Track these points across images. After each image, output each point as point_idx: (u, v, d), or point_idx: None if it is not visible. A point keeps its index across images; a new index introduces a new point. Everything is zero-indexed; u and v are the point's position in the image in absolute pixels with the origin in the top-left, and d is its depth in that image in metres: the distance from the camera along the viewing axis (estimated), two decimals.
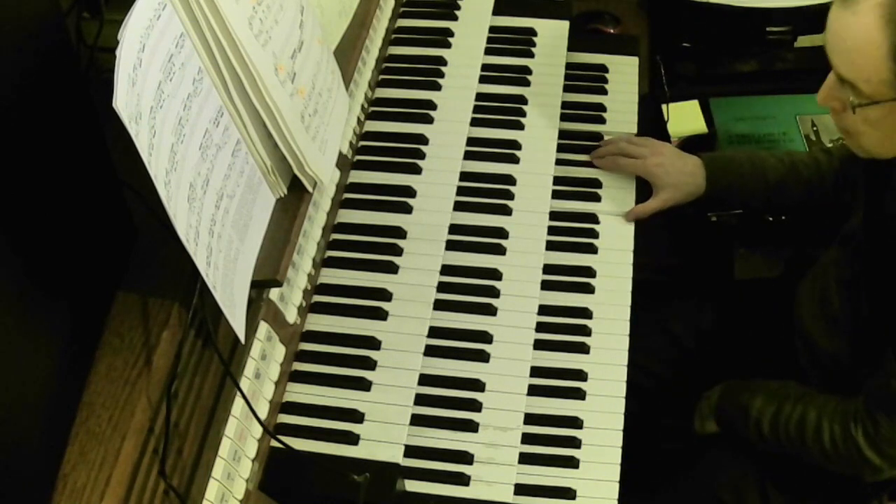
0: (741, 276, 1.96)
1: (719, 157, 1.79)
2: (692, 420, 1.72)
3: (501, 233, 1.64)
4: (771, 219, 1.93)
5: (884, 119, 1.33)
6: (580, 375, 1.56)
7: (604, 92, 1.91)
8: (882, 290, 1.44)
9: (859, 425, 1.45)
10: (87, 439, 1.13)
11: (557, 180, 1.74)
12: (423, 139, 1.69)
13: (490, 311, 1.55)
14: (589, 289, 1.65)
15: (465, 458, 1.41)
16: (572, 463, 1.47)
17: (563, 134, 1.80)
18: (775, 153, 1.75)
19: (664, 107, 2.08)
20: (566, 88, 1.86)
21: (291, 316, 1.43)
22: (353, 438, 1.37)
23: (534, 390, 1.51)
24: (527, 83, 1.84)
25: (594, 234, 1.72)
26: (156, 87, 1.10)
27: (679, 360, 1.79)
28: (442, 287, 1.55)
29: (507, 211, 1.67)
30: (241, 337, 1.23)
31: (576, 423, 1.51)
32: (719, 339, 1.79)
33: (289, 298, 1.43)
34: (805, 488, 1.60)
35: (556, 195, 1.72)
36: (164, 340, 1.22)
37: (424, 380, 1.46)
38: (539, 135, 1.77)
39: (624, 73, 1.94)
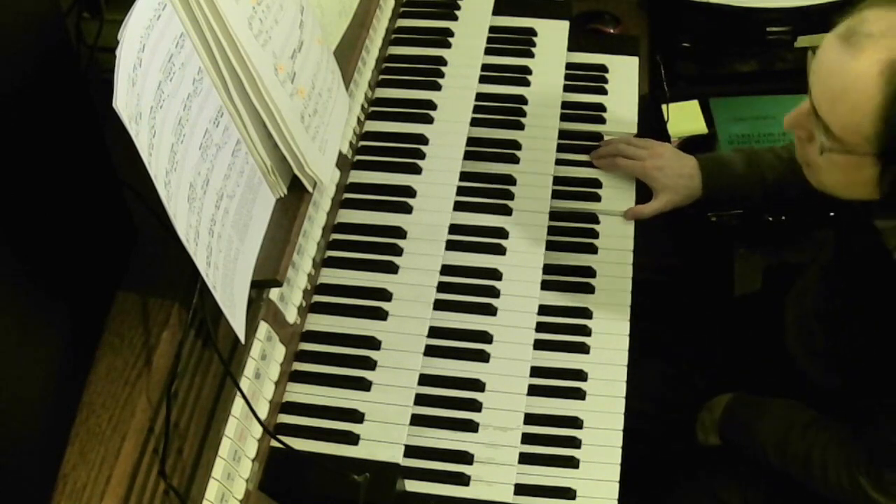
0: (740, 291, 1.96)
1: (713, 158, 1.77)
2: (693, 432, 1.71)
3: (501, 233, 1.64)
4: (771, 219, 1.93)
5: (850, 168, 1.27)
6: (580, 375, 1.56)
7: (604, 92, 1.91)
8: (865, 332, 1.41)
9: (863, 475, 1.44)
10: (87, 439, 1.13)
11: (557, 180, 1.74)
12: (423, 139, 1.69)
13: (490, 311, 1.55)
14: (589, 289, 1.65)
15: (465, 458, 1.41)
16: (572, 463, 1.47)
17: (563, 134, 1.80)
18: (775, 148, 1.72)
19: (664, 107, 2.08)
20: (566, 88, 1.86)
21: (291, 316, 1.43)
22: (353, 438, 1.37)
23: (534, 390, 1.51)
24: (527, 83, 1.84)
25: (594, 234, 1.72)
26: (156, 87, 1.10)
27: (677, 375, 1.79)
28: (442, 287, 1.55)
29: (507, 211, 1.67)
30: (241, 337, 1.23)
31: (576, 423, 1.51)
32: (717, 352, 1.79)
33: (289, 298, 1.43)
34: (811, 497, 1.59)
35: (556, 195, 1.73)
36: (164, 340, 1.22)
37: (424, 380, 1.46)
38: (539, 135, 1.77)
39: (624, 73, 1.94)
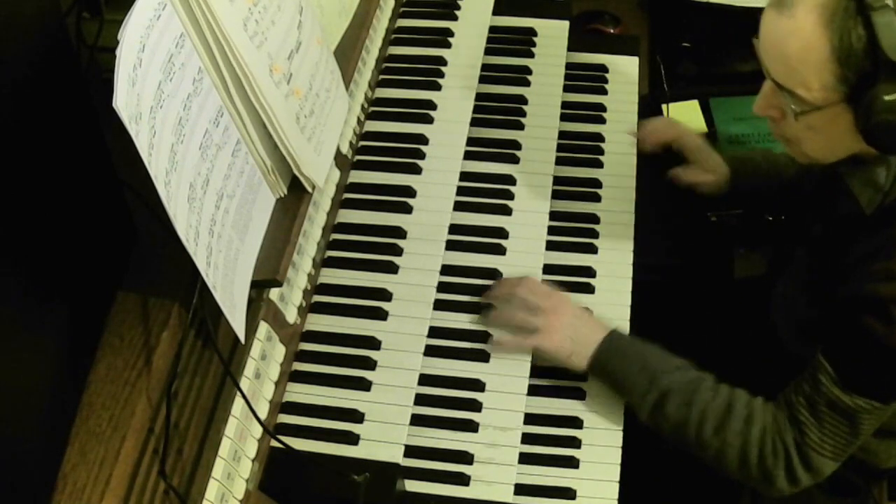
0: (740, 274, 1.96)
1: (740, 155, 1.79)
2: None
3: (501, 233, 1.64)
4: (771, 219, 1.93)
5: (827, 124, 1.29)
6: (580, 375, 1.55)
7: (604, 92, 1.91)
8: (828, 287, 1.42)
9: (792, 443, 1.41)
10: (87, 439, 1.13)
11: (557, 180, 1.74)
12: (423, 139, 1.69)
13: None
14: (589, 289, 1.65)
15: (465, 458, 1.41)
16: (572, 463, 1.47)
17: (563, 134, 1.80)
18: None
19: (664, 107, 2.08)
20: (566, 88, 1.86)
21: (291, 316, 1.43)
22: (353, 438, 1.37)
23: (534, 390, 1.51)
24: (527, 83, 1.84)
25: (594, 234, 1.72)
26: (156, 87, 1.10)
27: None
28: (442, 287, 1.55)
29: (507, 211, 1.67)
30: (241, 337, 1.23)
31: (576, 423, 1.51)
32: (714, 338, 1.79)
33: (289, 298, 1.43)
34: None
35: (556, 195, 1.73)
36: (164, 340, 1.22)
37: (424, 380, 1.46)
38: (539, 135, 1.77)
39: (624, 73, 1.94)
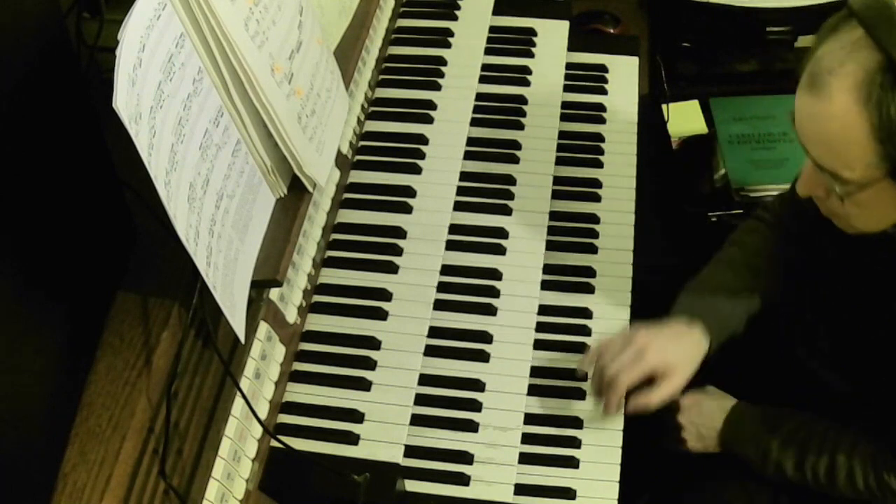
0: None
1: (695, 304, 1.57)
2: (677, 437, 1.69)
3: (501, 233, 1.64)
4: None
5: (874, 199, 1.25)
6: (580, 375, 1.55)
7: (604, 92, 1.91)
8: (871, 334, 1.40)
9: (892, 474, 1.43)
10: (87, 439, 1.13)
11: (557, 180, 1.74)
12: (423, 139, 1.69)
13: (490, 311, 1.55)
14: (589, 289, 1.65)
15: (465, 458, 1.41)
16: (572, 463, 1.47)
17: (563, 134, 1.80)
18: (719, 262, 1.61)
19: (664, 107, 2.08)
20: (566, 88, 1.86)
21: (291, 316, 1.43)
22: (353, 438, 1.37)
23: (534, 390, 1.51)
24: (527, 83, 1.84)
25: (594, 234, 1.71)
26: (156, 87, 1.10)
27: None
28: (442, 287, 1.55)
29: (507, 211, 1.67)
30: (241, 337, 1.23)
31: (576, 423, 1.51)
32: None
33: (289, 298, 1.43)
34: (817, 497, 1.58)
35: (556, 195, 1.72)
36: (164, 340, 1.22)
37: (424, 380, 1.46)
38: (539, 135, 1.77)
39: (624, 73, 1.94)
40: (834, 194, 1.27)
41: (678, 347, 1.51)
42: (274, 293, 1.38)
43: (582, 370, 1.54)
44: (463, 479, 1.39)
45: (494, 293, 1.57)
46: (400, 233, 1.58)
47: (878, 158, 1.20)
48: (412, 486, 1.38)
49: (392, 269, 1.54)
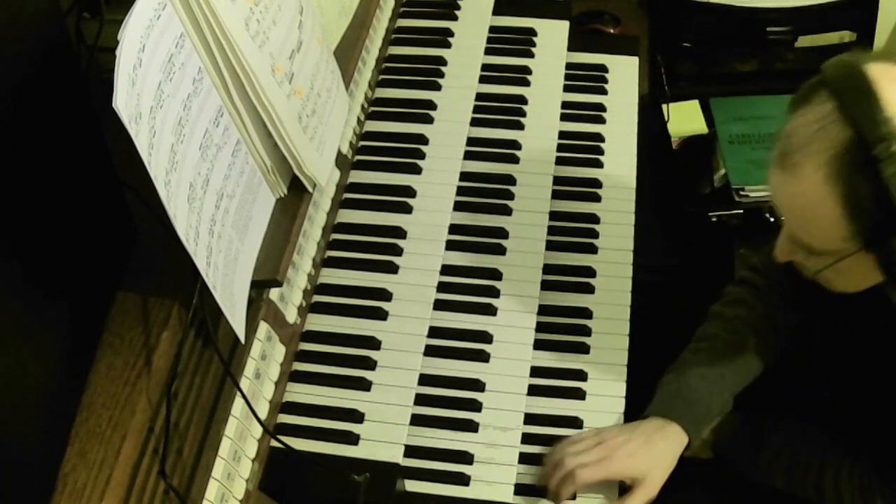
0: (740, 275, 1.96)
1: (672, 398, 1.48)
2: None
3: (501, 233, 1.64)
4: (772, 219, 1.93)
5: (851, 267, 1.23)
6: (580, 375, 1.55)
7: (604, 92, 1.91)
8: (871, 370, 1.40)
9: (879, 495, 1.43)
10: (87, 439, 1.13)
11: (557, 180, 1.74)
12: (423, 139, 1.69)
13: (490, 311, 1.55)
14: (589, 289, 1.65)
15: (465, 458, 1.41)
16: None
17: (563, 134, 1.80)
18: (698, 348, 1.54)
19: (664, 107, 2.08)
20: (566, 88, 1.86)
21: (291, 316, 1.43)
22: (353, 438, 1.37)
23: (534, 390, 1.51)
24: (527, 83, 1.84)
25: (594, 234, 1.71)
26: (156, 87, 1.10)
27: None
28: (442, 287, 1.55)
29: (507, 211, 1.67)
30: (241, 337, 1.23)
31: (576, 423, 1.51)
32: None
33: (289, 298, 1.43)
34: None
35: (556, 195, 1.72)
36: (164, 340, 1.22)
37: (424, 380, 1.46)
38: (539, 135, 1.77)
39: (624, 73, 1.94)
40: (811, 264, 1.27)
41: (649, 453, 1.42)
42: (274, 293, 1.38)
43: (543, 476, 1.45)
44: (463, 479, 1.39)
45: (494, 293, 1.57)
46: (400, 233, 1.58)
47: (851, 234, 1.19)
48: (412, 486, 1.38)
49: (392, 269, 1.54)
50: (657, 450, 1.43)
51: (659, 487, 1.43)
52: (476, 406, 1.46)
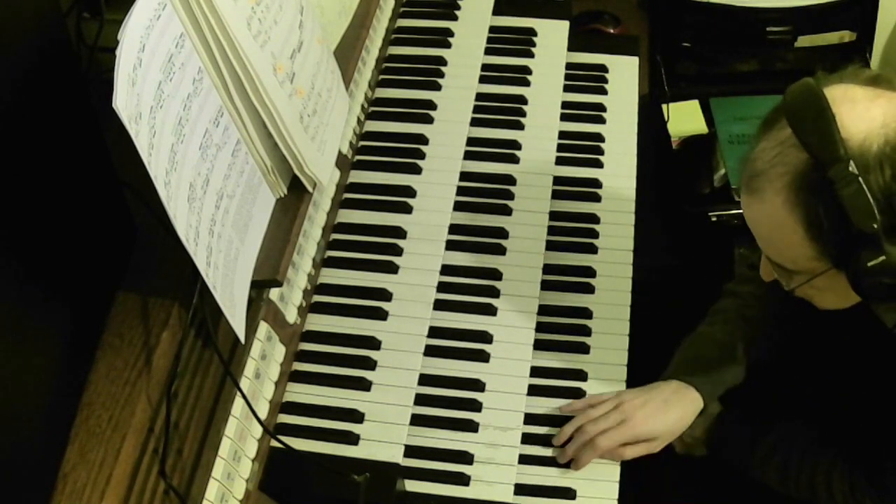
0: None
1: (689, 364, 1.54)
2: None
3: (501, 233, 1.64)
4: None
5: (828, 285, 1.24)
6: (580, 375, 1.56)
7: (604, 92, 1.91)
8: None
9: (868, 498, 1.43)
10: (87, 439, 1.13)
11: (557, 180, 1.74)
12: (423, 139, 1.69)
13: (490, 311, 1.55)
14: (589, 289, 1.65)
15: (465, 458, 1.41)
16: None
17: (563, 134, 1.80)
18: (714, 321, 1.59)
19: (664, 107, 2.08)
20: (566, 88, 1.86)
21: (291, 316, 1.43)
22: (353, 438, 1.37)
23: (534, 390, 1.51)
24: (527, 83, 1.84)
25: (594, 234, 1.71)
26: (156, 87, 1.10)
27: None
28: (442, 287, 1.55)
29: (507, 211, 1.67)
30: (241, 337, 1.23)
31: None
32: None
33: (289, 298, 1.43)
34: None
35: (556, 195, 1.73)
36: (164, 340, 1.22)
37: (424, 380, 1.46)
38: (539, 135, 1.77)
39: (624, 73, 1.94)
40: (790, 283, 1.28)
41: (666, 415, 1.48)
42: (274, 293, 1.38)
43: (560, 438, 1.49)
44: (463, 479, 1.39)
45: (494, 293, 1.57)
46: (400, 233, 1.58)
47: (818, 254, 1.21)
48: (412, 486, 1.38)
49: (392, 269, 1.54)
50: (674, 412, 1.48)
51: (662, 447, 1.50)
52: (476, 406, 1.46)
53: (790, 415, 1.56)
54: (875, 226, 1.14)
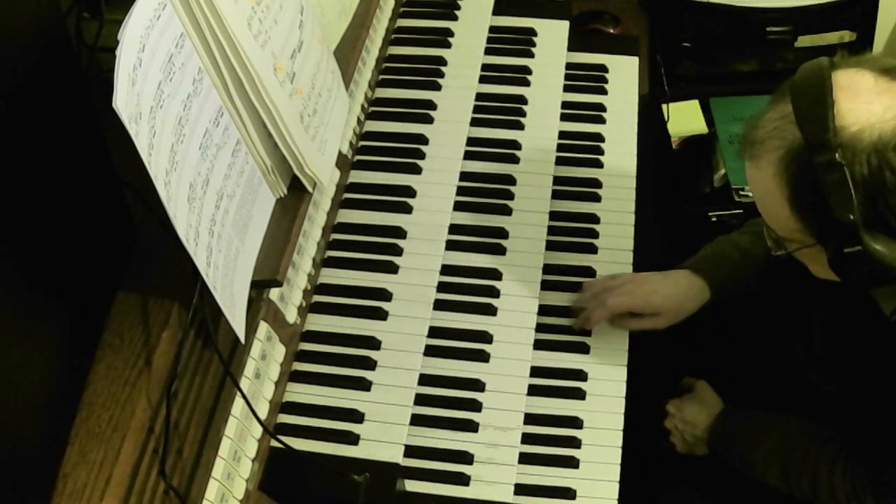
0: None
1: (706, 259, 1.63)
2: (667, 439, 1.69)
3: (501, 233, 1.64)
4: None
5: (818, 257, 1.26)
6: (580, 375, 1.56)
7: (604, 92, 1.91)
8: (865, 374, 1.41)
9: (871, 496, 1.43)
10: (87, 439, 1.13)
11: (557, 180, 1.74)
12: (423, 139, 1.69)
13: (490, 311, 1.55)
14: None
15: (465, 458, 1.41)
16: (572, 463, 1.47)
17: (563, 134, 1.80)
18: (744, 231, 1.64)
19: (664, 107, 2.08)
20: (566, 88, 1.86)
21: (291, 316, 1.43)
22: (353, 438, 1.37)
23: (534, 390, 1.51)
24: (527, 83, 1.84)
25: (594, 234, 1.71)
26: (156, 87, 1.10)
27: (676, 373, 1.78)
28: (442, 287, 1.55)
29: (507, 211, 1.67)
30: (241, 337, 1.23)
31: (576, 423, 1.51)
32: (714, 339, 1.78)
33: (289, 298, 1.43)
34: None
35: (556, 195, 1.72)
36: (164, 340, 1.22)
37: (424, 380, 1.46)
38: (539, 135, 1.77)
39: (624, 73, 1.94)
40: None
41: (673, 293, 1.58)
42: (274, 293, 1.38)
43: (577, 303, 1.61)
44: (463, 479, 1.39)
45: (494, 293, 1.57)
46: (400, 233, 1.58)
47: (800, 228, 1.24)
48: (412, 486, 1.38)
49: (392, 269, 1.54)
50: (680, 295, 1.58)
51: (664, 326, 1.59)
52: (476, 406, 1.46)
53: (791, 412, 1.56)
54: (852, 216, 1.17)
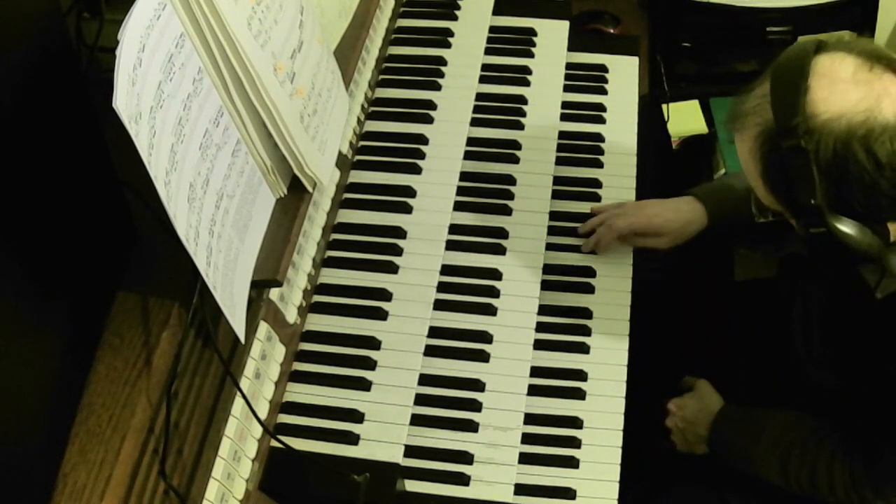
0: (741, 276, 1.96)
1: (711, 187, 1.73)
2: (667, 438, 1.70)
3: (501, 233, 1.64)
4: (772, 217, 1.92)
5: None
6: (580, 375, 1.56)
7: (604, 92, 1.91)
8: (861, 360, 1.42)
9: (870, 488, 1.44)
10: (87, 439, 1.13)
11: (557, 180, 1.74)
12: (423, 139, 1.69)
13: (490, 311, 1.55)
14: (589, 289, 1.65)
15: (465, 458, 1.41)
16: (572, 463, 1.47)
17: (563, 134, 1.80)
18: None
19: (664, 107, 2.08)
20: (566, 88, 1.86)
21: (291, 316, 1.43)
22: (353, 438, 1.37)
23: (534, 390, 1.51)
24: (527, 83, 1.84)
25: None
26: (156, 87, 1.10)
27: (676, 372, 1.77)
28: (442, 287, 1.55)
29: (507, 211, 1.67)
30: (241, 337, 1.23)
31: (576, 423, 1.51)
32: (714, 339, 1.78)
33: (289, 298, 1.43)
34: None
35: (556, 195, 1.72)
36: (164, 340, 1.22)
37: (424, 380, 1.46)
38: (539, 135, 1.77)
39: (624, 73, 1.94)
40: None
41: (674, 217, 1.66)
42: (274, 293, 1.38)
43: (585, 228, 1.69)
44: (463, 479, 1.39)
45: (494, 293, 1.57)
46: (400, 233, 1.58)
47: (775, 202, 1.29)
48: (412, 486, 1.38)
49: (392, 269, 1.54)
50: (681, 219, 1.67)
51: (665, 247, 1.68)
52: (476, 406, 1.46)
53: (790, 406, 1.56)
54: (814, 201, 1.22)
